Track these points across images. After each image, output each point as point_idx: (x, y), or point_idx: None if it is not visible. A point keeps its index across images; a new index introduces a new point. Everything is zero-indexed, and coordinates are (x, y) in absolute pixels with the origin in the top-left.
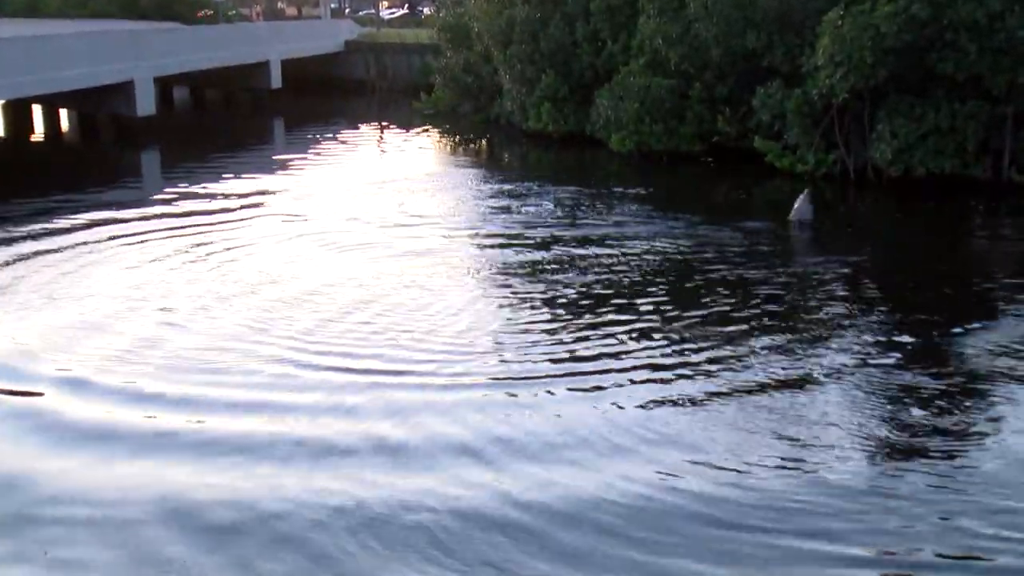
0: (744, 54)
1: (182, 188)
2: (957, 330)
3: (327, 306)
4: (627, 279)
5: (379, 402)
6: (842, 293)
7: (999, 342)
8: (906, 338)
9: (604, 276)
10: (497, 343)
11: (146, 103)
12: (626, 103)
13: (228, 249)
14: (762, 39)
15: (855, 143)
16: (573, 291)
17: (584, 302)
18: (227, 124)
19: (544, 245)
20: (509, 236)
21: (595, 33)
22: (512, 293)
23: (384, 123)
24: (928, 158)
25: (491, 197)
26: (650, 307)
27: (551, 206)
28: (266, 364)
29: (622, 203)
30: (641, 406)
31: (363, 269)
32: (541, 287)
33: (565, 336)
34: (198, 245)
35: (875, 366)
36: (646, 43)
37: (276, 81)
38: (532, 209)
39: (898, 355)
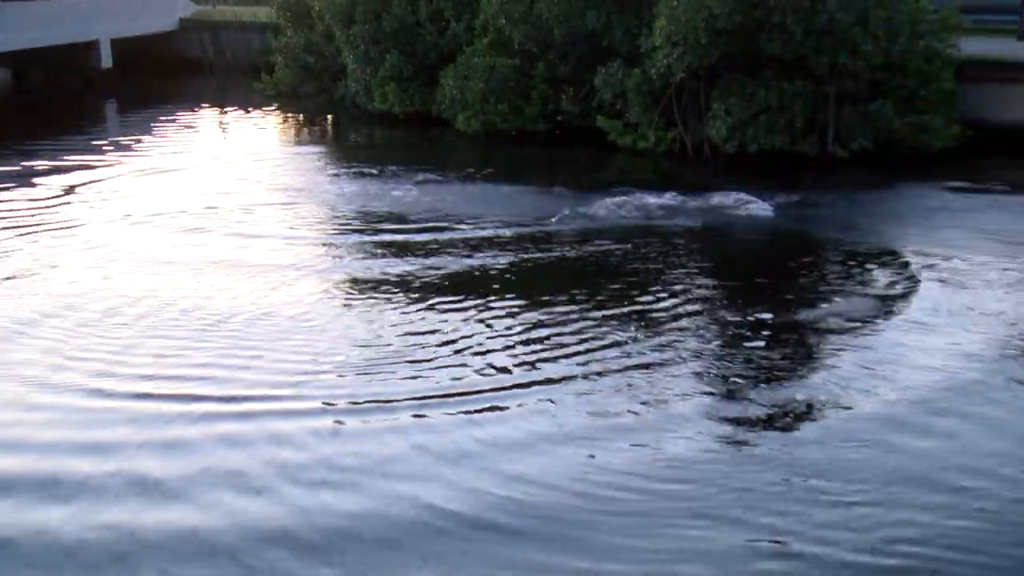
0: (585, 34)
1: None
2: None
3: (149, 318)
4: (498, 273)
5: (213, 434)
6: (678, 269)
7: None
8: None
9: (467, 267)
10: (358, 360)
11: None
12: (471, 83)
13: (35, 250)
14: (602, 19)
15: (692, 121)
16: (440, 285)
17: (454, 301)
18: (53, 108)
19: (399, 241)
20: (362, 226)
21: (439, 12)
22: (369, 294)
23: (224, 105)
24: (760, 135)
25: (339, 181)
26: (528, 308)
27: (405, 192)
28: (71, 395)
29: (474, 185)
30: (513, 420)
31: (194, 272)
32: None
33: (442, 352)
34: None
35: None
36: (490, 23)
37: (107, 61)
38: (381, 193)
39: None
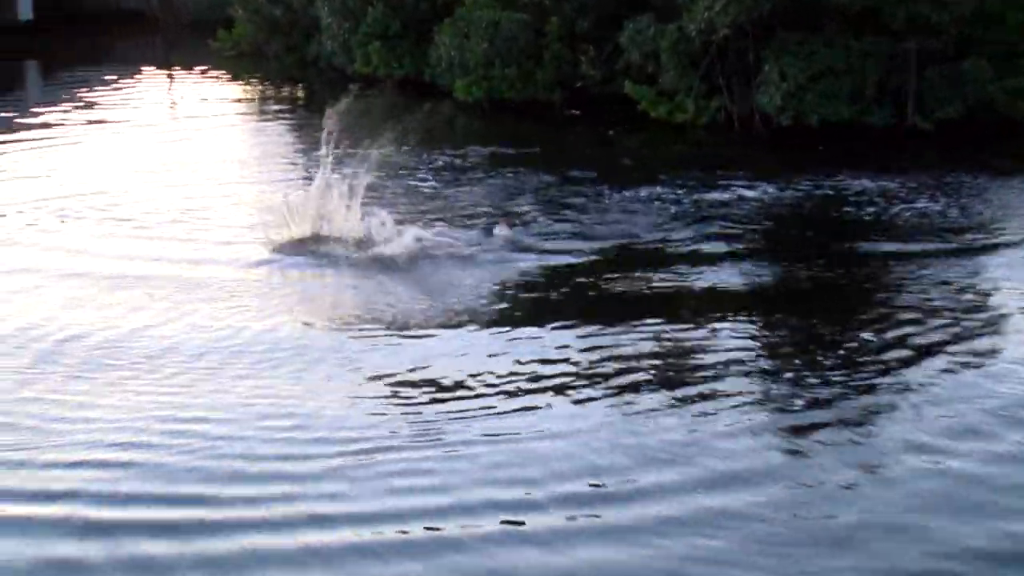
0: None
1: None
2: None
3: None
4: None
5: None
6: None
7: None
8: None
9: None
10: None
11: None
12: (472, 42)
13: None
14: None
15: (739, 87)
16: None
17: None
18: None
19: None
20: (335, 230)
21: None
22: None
23: (171, 68)
24: (822, 104)
25: (308, 167)
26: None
27: (393, 181)
28: None
29: (476, 171)
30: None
31: (112, 289)
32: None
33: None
34: None
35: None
36: None
37: (26, 12)
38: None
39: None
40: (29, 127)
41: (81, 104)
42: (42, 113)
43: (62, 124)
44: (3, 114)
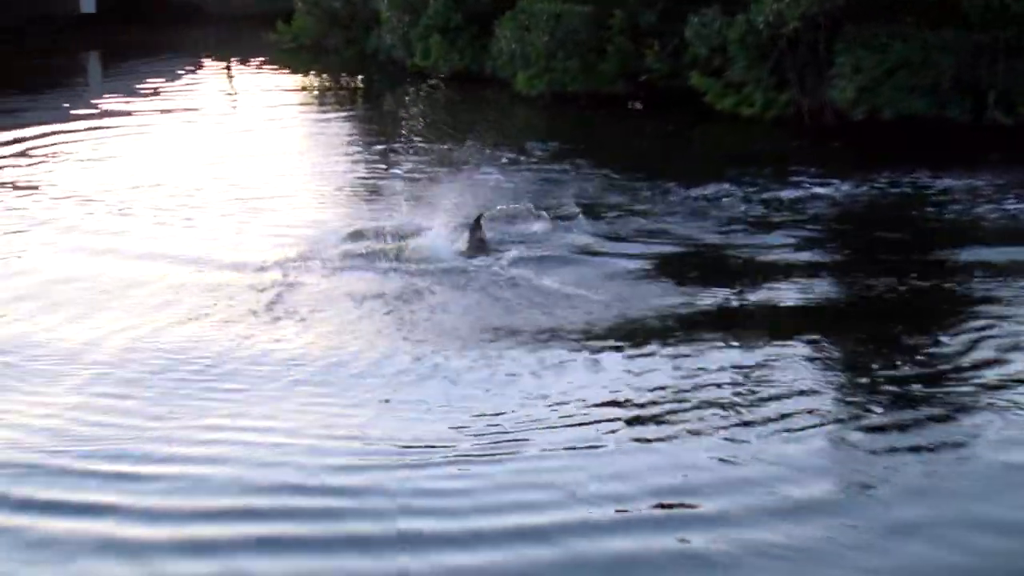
0: None
1: None
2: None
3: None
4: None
5: None
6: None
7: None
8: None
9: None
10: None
11: None
12: (533, 35)
13: None
14: None
15: (811, 80)
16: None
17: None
18: (23, 60)
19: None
20: (397, 235)
21: None
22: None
23: (232, 59)
24: (897, 97)
25: (369, 164)
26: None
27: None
28: None
29: (538, 165)
30: None
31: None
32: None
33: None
34: None
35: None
36: None
37: (88, 5)
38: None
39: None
40: (89, 117)
41: (141, 96)
42: (102, 104)
43: (122, 115)
44: (64, 104)
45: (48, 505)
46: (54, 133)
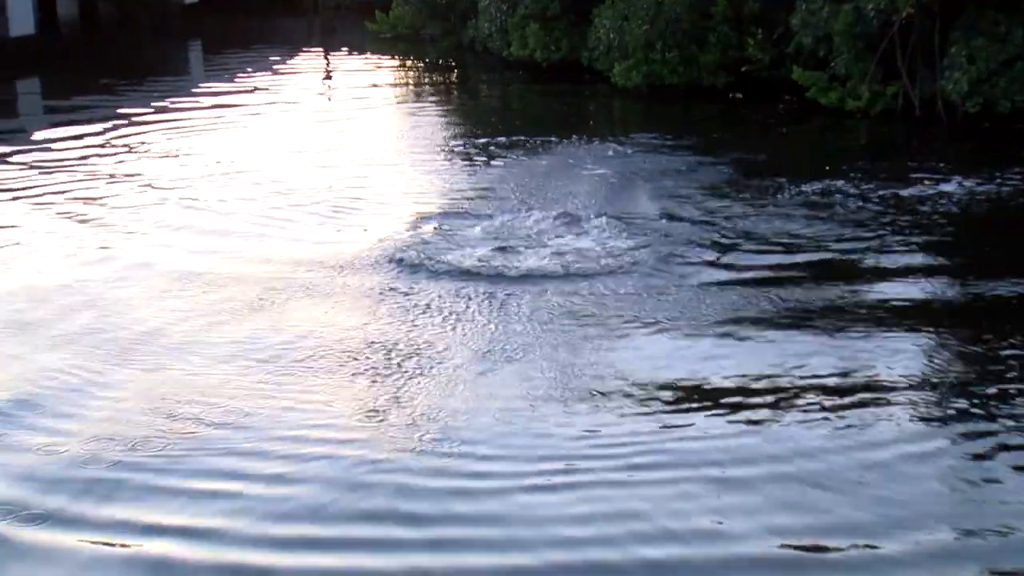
0: None
1: (69, 131)
2: None
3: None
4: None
5: None
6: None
7: None
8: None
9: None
10: None
11: (22, 20)
12: (632, 25)
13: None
14: None
15: (921, 72)
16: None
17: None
18: (127, 47)
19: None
20: (494, 242)
21: None
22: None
23: (329, 49)
24: (1015, 90)
25: (464, 163)
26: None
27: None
28: None
29: (636, 161)
30: None
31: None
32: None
33: None
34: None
35: None
36: None
37: None
38: (517, 183)
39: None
40: (191, 108)
41: (240, 86)
42: (202, 96)
43: (222, 107)
44: (165, 90)
45: None
46: (155, 122)
